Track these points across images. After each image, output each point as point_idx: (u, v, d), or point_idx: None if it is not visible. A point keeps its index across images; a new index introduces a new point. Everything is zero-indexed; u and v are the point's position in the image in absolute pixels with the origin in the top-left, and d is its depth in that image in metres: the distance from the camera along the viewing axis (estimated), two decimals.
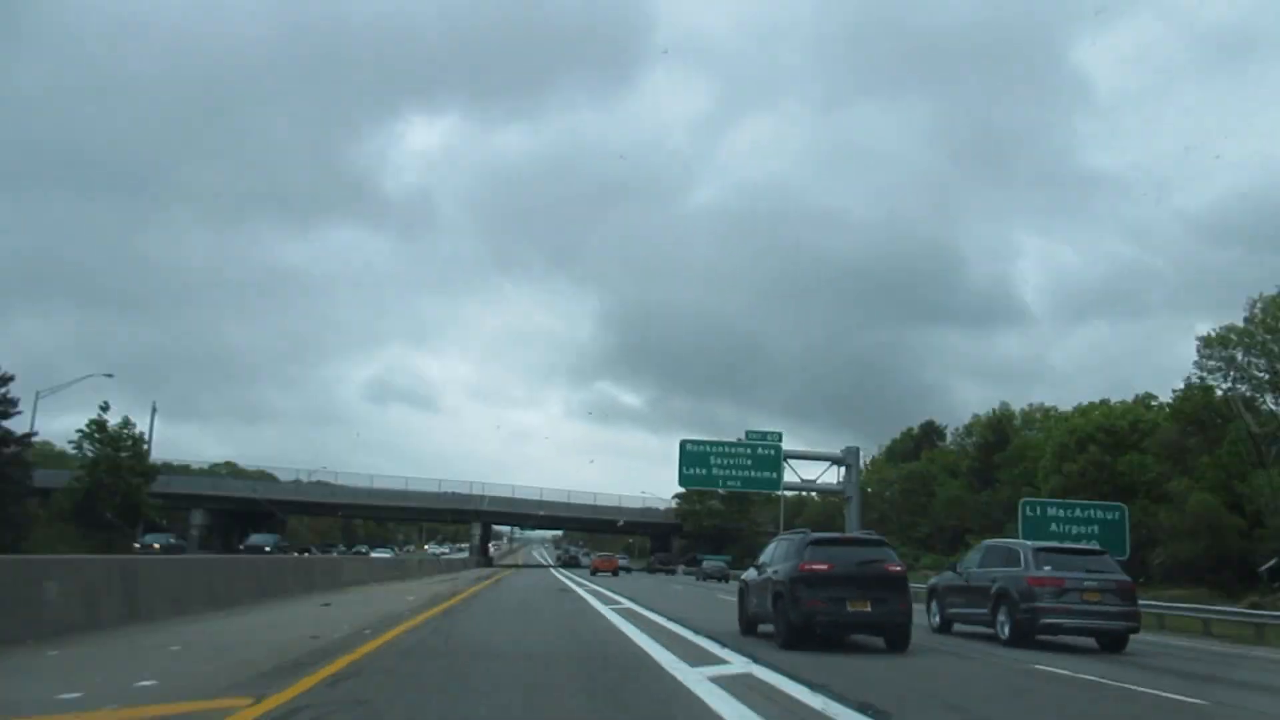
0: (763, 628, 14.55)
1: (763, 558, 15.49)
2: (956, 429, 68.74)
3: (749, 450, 38.00)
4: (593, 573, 57.01)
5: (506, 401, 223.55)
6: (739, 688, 8.39)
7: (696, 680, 8.70)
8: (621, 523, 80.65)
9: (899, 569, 13.68)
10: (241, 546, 58.19)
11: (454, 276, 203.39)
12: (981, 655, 13.19)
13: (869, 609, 12.86)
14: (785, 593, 13.10)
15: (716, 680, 8.77)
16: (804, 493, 51.41)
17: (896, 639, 13.09)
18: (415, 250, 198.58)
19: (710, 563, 56.02)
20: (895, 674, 10.62)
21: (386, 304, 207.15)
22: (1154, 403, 48.44)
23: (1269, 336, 37.72)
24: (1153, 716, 8.85)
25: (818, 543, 13.80)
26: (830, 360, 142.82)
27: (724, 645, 12.52)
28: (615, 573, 58.01)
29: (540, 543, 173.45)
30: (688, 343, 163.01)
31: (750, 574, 15.71)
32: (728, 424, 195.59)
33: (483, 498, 74.59)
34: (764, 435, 39.31)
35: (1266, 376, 38.37)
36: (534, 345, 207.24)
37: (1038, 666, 11.74)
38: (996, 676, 11.01)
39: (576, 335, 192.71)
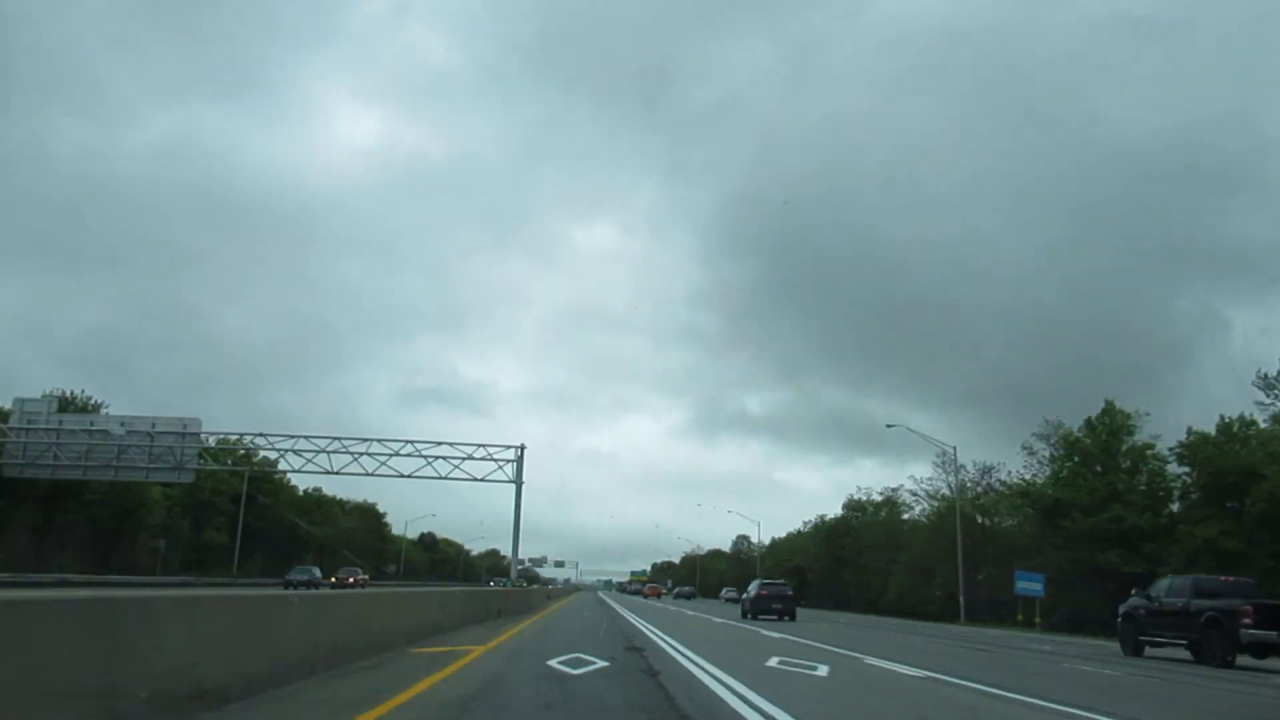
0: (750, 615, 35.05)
1: (747, 590, 39.06)
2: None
3: None
4: (645, 597, 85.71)
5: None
6: (745, 629, 25.87)
7: (723, 626, 27.26)
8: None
9: (790, 591, 36.47)
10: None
11: None
12: None
13: (779, 605, 34.12)
14: (751, 598, 35.23)
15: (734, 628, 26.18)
16: None
17: (791, 615, 33.96)
18: None
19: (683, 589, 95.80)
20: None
21: None
22: None
23: None
24: None
25: (762, 584, 37.22)
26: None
27: (736, 620, 31.34)
28: (659, 597, 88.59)
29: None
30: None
31: (746, 594, 38.26)
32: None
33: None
34: None
35: None
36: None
37: None
38: None
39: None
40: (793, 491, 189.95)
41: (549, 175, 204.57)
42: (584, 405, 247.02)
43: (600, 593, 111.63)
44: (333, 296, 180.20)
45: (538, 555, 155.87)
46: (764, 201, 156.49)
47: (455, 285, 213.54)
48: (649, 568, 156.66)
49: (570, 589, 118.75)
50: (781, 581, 40.83)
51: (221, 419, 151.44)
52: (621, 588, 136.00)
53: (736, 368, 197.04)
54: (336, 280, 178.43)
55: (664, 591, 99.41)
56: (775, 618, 33.25)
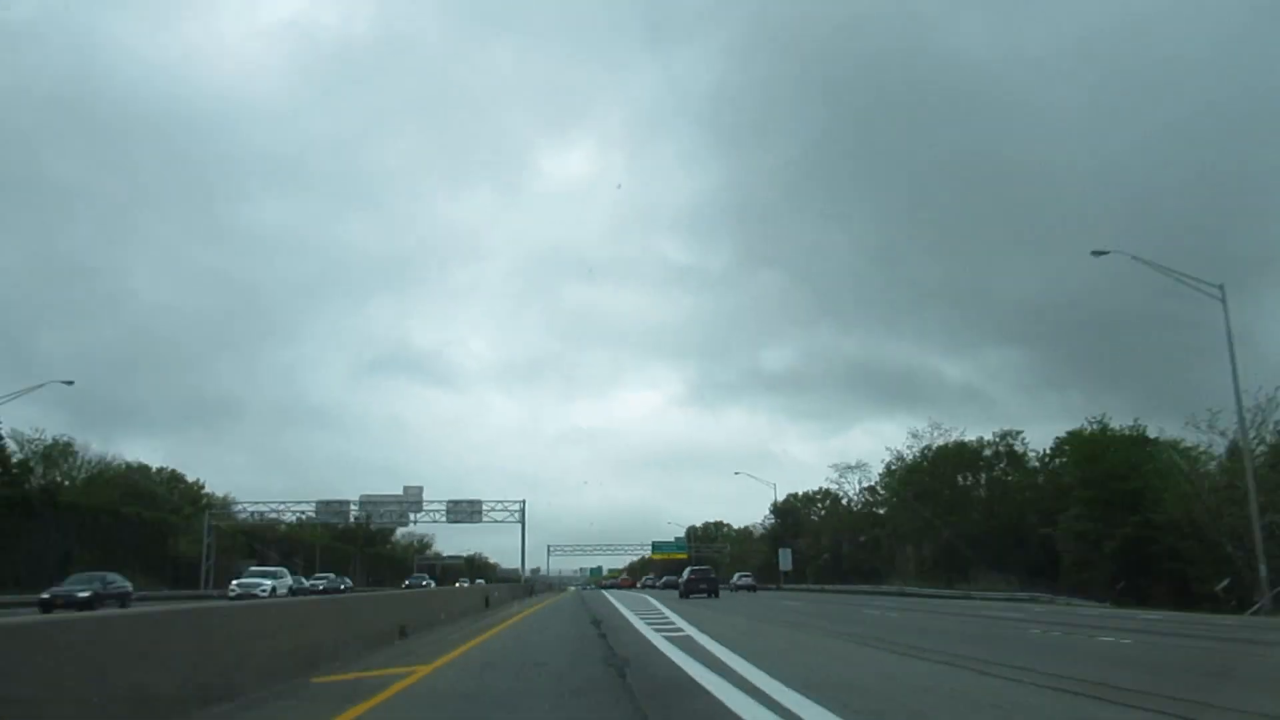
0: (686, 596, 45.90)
1: (683, 575, 52.22)
2: None
3: None
4: (620, 588, 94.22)
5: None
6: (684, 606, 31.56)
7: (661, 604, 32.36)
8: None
9: (713, 575, 53.37)
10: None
11: None
12: None
13: (704, 586, 47.06)
14: (684, 581, 46.91)
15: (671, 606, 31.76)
16: None
17: (714, 593, 45.25)
18: None
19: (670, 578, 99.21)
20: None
21: None
22: None
23: None
24: None
25: (693, 569, 52.85)
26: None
27: (669, 602, 35.93)
28: (633, 587, 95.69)
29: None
30: None
31: (680, 579, 51.55)
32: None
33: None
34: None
35: None
36: None
37: None
38: None
39: None
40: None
41: (508, 77, 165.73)
42: (565, 371, 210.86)
43: (581, 590, 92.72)
44: (254, 249, 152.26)
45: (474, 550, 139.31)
46: (794, 36, 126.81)
47: (400, 228, 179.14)
48: (646, 553, 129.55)
49: (541, 587, 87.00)
50: (706, 568, 57.48)
51: (154, 408, 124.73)
52: (599, 584, 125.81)
53: (751, 312, 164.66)
54: (255, 227, 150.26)
55: (636, 584, 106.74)
56: (704, 595, 45.41)
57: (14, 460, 52.98)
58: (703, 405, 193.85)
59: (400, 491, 77.86)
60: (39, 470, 58.91)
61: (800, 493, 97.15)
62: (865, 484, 79.90)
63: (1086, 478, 45.50)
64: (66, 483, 62.20)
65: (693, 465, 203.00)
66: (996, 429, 66.04)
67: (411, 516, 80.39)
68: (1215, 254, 72.45)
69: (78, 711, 5.99)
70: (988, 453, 64.01)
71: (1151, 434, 46.44)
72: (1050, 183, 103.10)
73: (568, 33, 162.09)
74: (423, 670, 10.94)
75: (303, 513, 77.66)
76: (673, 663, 11.71)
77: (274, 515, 78.28)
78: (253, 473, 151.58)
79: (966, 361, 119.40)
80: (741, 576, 68.01)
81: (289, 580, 45.51)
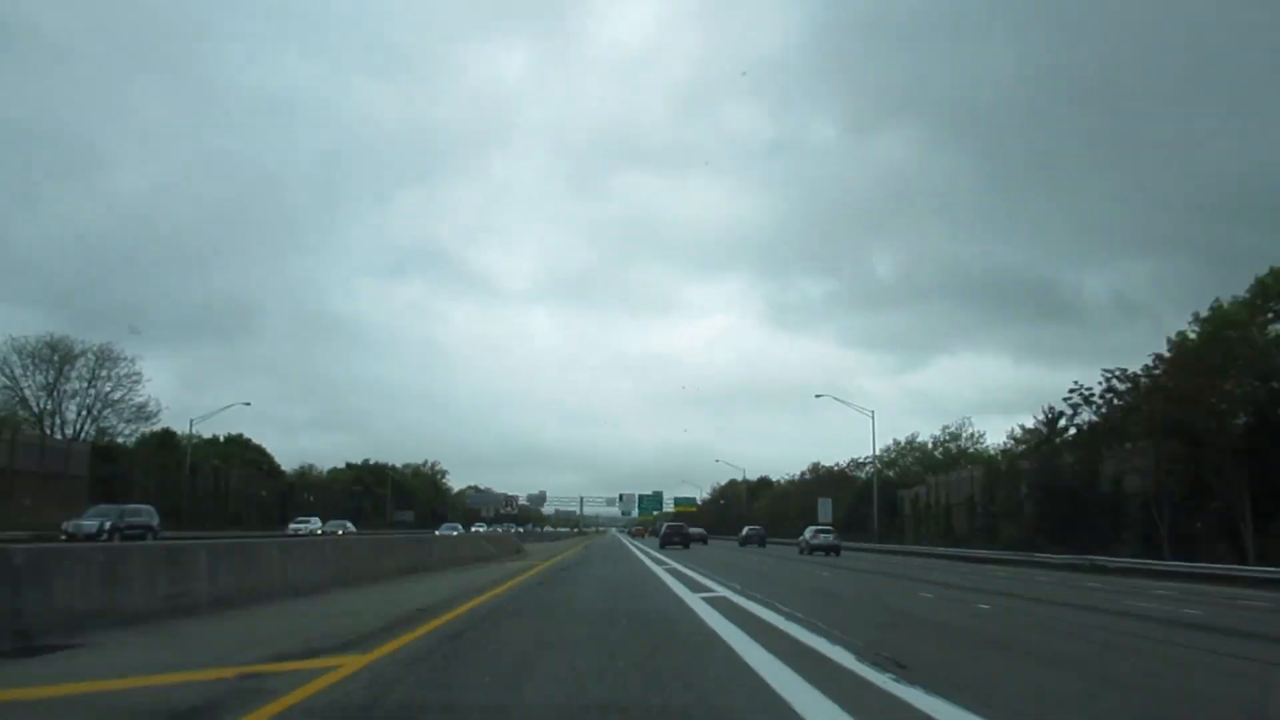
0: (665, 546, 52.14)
1: (659, 527, 67.10)
2: None
3: None
4: (633, 536, 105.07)
5: None
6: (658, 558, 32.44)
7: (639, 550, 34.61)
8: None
9: (687, 529, 60.94)
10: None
11: None
12: None
13: (679, 539, 55.87)
14: (662, 532, 57.75)
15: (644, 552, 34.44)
16: None
17: (686, 545, 54.37)
18: None
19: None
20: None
21: None
22: None
23: None
24: None
25: (667, 525, 62.97)
26: None
27: (650, 549, 38.36)
28: (643, 537, 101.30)
29: None
30: None
31: (658, 531, 62.83)
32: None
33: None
34: None
35: None
36: None
37: None
38: None
39: None
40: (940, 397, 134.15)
41: None
42: (618, 286, 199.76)
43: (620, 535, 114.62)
44: (259, 124, 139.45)
45: (535, 491, 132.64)
46: None
47: (425, 100, 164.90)
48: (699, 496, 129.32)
49: (576, 533, 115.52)
50: (680, 523, 66.09)
51: (155, 314, 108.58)
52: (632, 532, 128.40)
53: (851, 202, 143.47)
54: (258, 95, 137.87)
55: (645, 534, 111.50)
56: (679, 546, 53.22)
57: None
58: (777, 328, 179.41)
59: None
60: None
61: (903, 439, 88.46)
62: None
63: None
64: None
65: (761, 399, 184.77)
66: None
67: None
68: None
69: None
70: None
71: None
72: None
73: None
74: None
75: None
76: None
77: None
78: (276, 400, 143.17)
79: (1116, 271, 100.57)
80: (819, 533, 49.56)
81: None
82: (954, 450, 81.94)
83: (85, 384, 62.21)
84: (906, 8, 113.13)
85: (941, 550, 49.14)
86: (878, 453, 72.02)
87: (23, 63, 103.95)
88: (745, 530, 69.42)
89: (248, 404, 75.96)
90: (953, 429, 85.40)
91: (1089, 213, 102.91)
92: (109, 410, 64.05)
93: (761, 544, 63.45)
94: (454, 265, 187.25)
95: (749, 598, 14.82)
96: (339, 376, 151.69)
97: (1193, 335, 37.44)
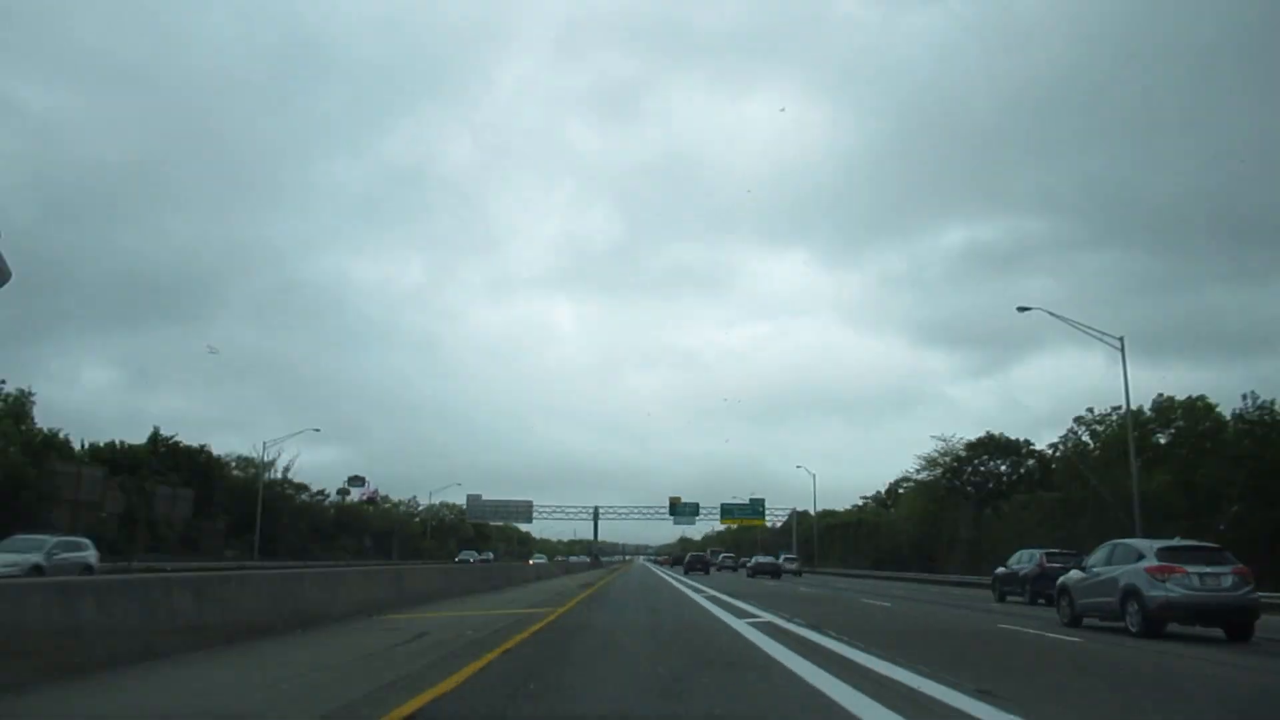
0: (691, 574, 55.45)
1: (684, 556, 74.33)
2: None
3: None
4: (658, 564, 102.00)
5: None
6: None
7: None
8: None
9: (707, 556, 71.22)
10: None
11: None
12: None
13: (700, 567, 65.07)
14: (686, 562, 66.65)
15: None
16: None
17: (705, 571, 61.83)
18: None
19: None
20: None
21: None
22: None
23: None
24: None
25: (691, 555, 72.14)
26: None
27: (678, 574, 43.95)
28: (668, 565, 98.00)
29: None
30: None
31: (683, 559, 69.68)
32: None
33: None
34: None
35: None
36: None
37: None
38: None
39: None
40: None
41: None
42: (647, 267, 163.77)
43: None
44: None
45: (551, 505, 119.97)
46: None
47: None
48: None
49: (591, 565, 75.85)
50: (702, 553, 74.52)
51: (77, 286, 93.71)
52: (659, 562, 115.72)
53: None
54: None
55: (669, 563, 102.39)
56: (702, 572, 60.66)
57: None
58: (842, 319, 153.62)
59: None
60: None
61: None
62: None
63: None
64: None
65: (824, 405, 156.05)
66: None
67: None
68: None
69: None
70: None
71: None
72: None
73: None
74: None
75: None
76: None
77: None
78: (246, 407, 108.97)
79: None
80: None
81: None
82: None
83: None
84: None
85: None
86: None
87: None
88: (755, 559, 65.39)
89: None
90: None
91: None
92: None
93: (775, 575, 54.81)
94: (457, 226, 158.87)
95: None
96: (323, 372, 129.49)
97: None
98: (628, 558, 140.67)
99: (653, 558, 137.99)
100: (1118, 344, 34.54)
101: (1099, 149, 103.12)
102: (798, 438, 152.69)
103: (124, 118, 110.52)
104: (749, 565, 64.99)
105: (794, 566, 58.86)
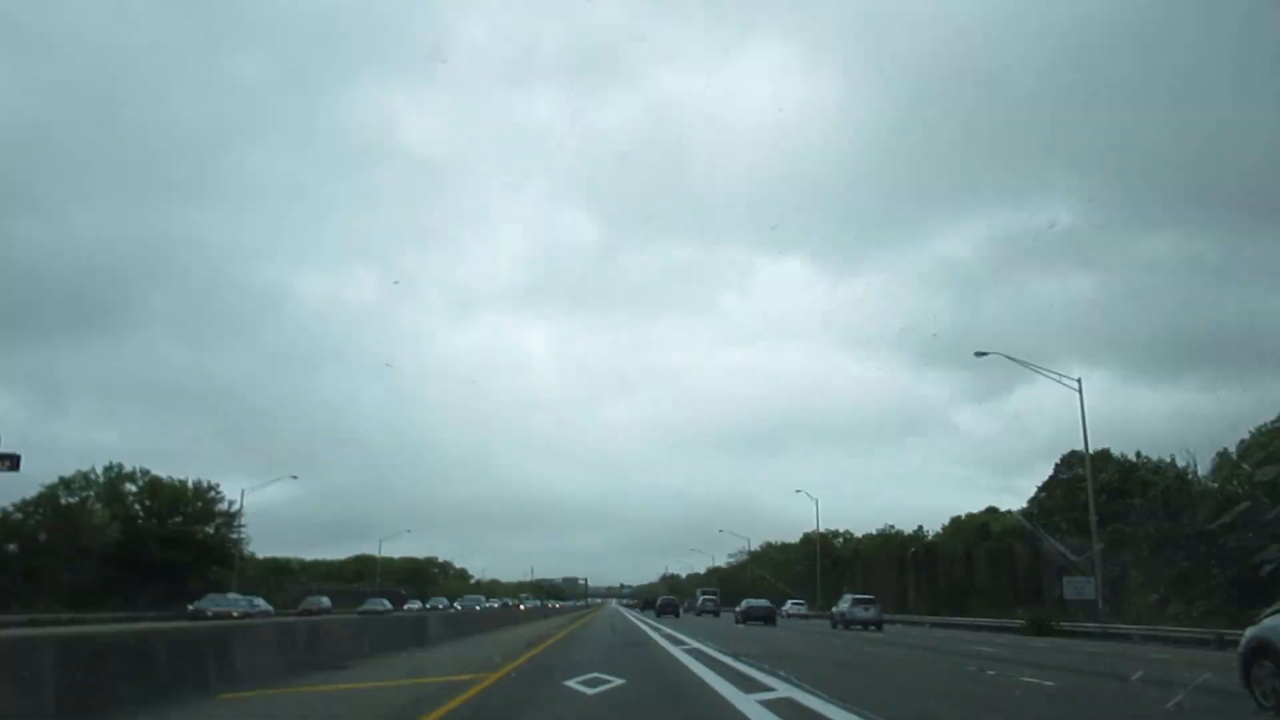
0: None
1: (654, 600, 68.61)
2: None
3: None
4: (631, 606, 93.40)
5: None
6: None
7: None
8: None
9: (675, 600, 66.15)
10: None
11: None
12: None
13: (670, 609, 60.76)
14: (657, 605, 62.07)
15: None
16: None
17: (675, 614, 58.71)
18: None
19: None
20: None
21: None
22: None
23: None
24: None
25: (661, 599, 65.46)
26: None
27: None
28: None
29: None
30: None
31: (653, 603, 66.94)
32: None
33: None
34: None
35: None
36: None
37: None
38: None
39: None
40: None
41: None
42: (622, 273, 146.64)
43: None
44: None
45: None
46: None
47: None
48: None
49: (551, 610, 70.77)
50: (671, 596, 70.39)
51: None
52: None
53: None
54: None
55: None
56: (673, 616, 57.00)
57: None
58: (837, 337, 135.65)
59: None
60: None
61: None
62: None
63: None
64: None
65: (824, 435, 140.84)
66: None
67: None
68: None
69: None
70: None
71: None
72: None
73: None
74: None
75: None
76: None
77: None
78: (175, 434, 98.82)
79: None
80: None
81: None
82: None
83: None
84: None
85: None
86: None
87: None
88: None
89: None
90: None
91: None
92: None
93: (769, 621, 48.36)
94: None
95: None
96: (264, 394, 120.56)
97: None
98: (590, 602, 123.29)
99: (626, 601, 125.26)
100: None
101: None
102: (794, 466, 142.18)
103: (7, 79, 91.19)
104: (738, 610, 53.26)
105: (870, 613, 38.87)
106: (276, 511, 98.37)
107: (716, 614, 61.49)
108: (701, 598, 69.60)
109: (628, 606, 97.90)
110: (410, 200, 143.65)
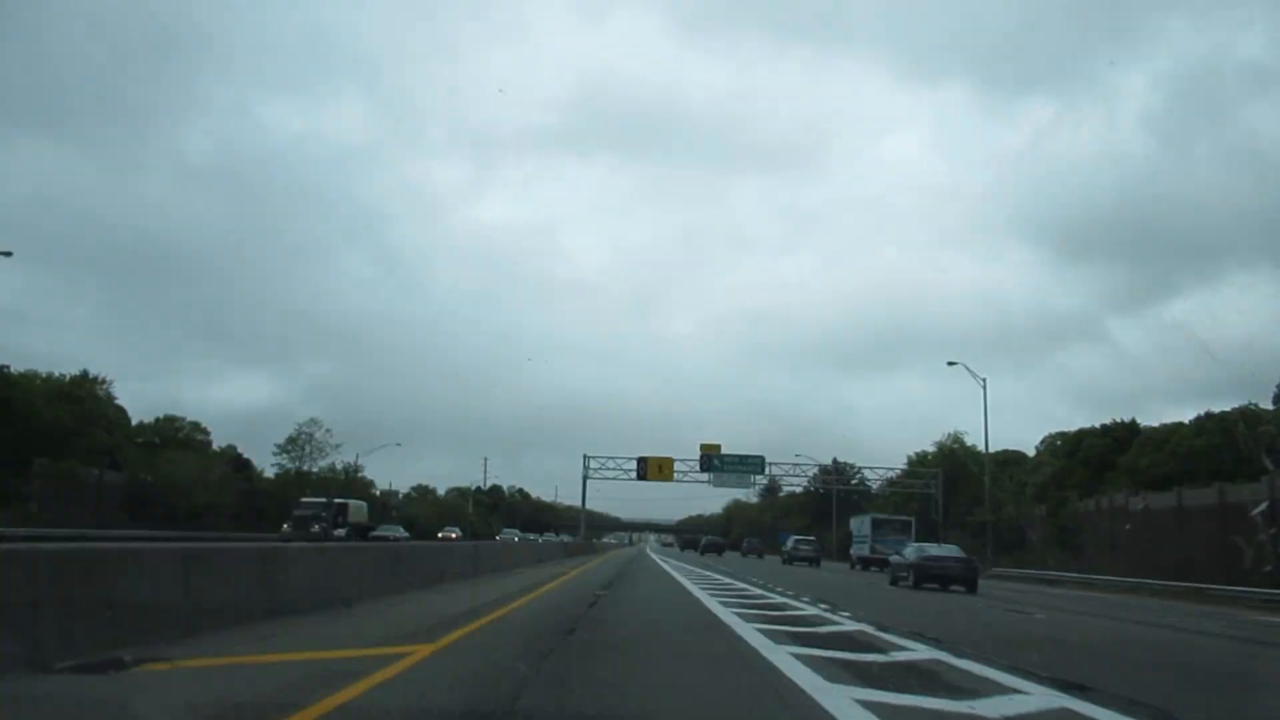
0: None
1: (701, 540, 78.34)
2: None
3: None
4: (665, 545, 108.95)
5: None
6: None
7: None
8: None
9: (719, 540, 77.94)
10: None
11: None
12: None
13: (711, 546, 72.79)
14: (702, 544, 72.83)
15: None
16: None
17: (719, 552, 70.46)
18: None
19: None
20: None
21: None
22: None
23: None
24: None
25: (707, 538, 79.26)
26: None
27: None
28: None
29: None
30: None
31: (699, 541, 77.96)
32: None
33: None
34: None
35: None
36: None
37: None
38: None
39: None
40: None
41: None
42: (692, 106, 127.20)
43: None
44: None
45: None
46: None
47: None
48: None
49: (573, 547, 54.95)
50: (710, 536, 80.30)
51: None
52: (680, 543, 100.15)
53: None
54: None
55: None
56: (716, 553, 67.81)
57: None
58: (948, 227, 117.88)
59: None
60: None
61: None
62: None
63: None
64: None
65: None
66: None
67: None
68: None
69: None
70: None
71: None
72: None
73: None
74: None
75: None
76: None
77: None
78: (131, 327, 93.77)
79: None
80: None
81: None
82: None
83: None
84: None
85: None
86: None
87: None
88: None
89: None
90: None
91: None
92: None
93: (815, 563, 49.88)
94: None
95: None
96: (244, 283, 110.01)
97: None
98: (622, 538, 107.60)
99: (665, 539, 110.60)
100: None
101: None
102: (903, 382, 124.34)
103: None
104: (786, 549, 53.18)
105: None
106: (255, 415, 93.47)
107: (817, 562, 50.28)
108: (792, 541, 55.28)
109: (666, 546, 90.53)
110: None
